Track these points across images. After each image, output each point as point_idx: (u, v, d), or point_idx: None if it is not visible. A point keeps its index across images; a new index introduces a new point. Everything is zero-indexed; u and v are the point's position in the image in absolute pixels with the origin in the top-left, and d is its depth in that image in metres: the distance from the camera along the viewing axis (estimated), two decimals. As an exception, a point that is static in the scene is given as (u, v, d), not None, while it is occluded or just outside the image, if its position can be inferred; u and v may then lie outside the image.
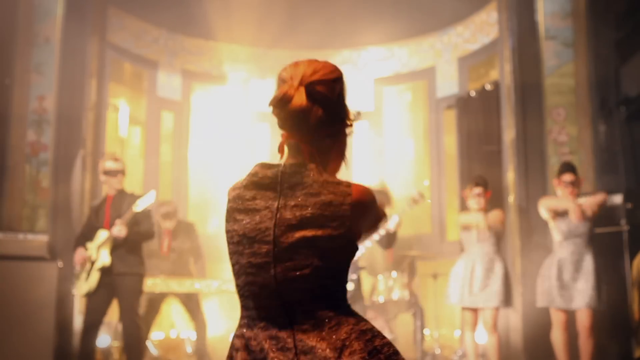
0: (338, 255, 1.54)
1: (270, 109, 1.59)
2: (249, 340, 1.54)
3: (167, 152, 8.25)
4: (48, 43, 6.07)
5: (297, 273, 1.50)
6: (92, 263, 4.80)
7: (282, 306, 1.51)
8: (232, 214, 1.58)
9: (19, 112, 5.94)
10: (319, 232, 1.49)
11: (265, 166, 1.58)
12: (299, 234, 1.50)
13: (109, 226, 4.84)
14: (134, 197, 4.97)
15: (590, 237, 4.84)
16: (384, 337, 1.54)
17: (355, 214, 1.52)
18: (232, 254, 1.58)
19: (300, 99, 1.53)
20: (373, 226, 1.67)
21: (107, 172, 4.95)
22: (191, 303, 5.88)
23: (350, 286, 5.48)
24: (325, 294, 1.52)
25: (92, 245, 4.85)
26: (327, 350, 1.46)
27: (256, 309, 1.54)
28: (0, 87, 5.91)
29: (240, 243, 1.55)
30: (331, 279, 1.54)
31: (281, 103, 1.55)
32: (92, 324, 4.78)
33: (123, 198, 4.96)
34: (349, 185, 1.54)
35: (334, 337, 1.48)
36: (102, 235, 4.84)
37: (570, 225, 4.80)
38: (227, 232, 1.59)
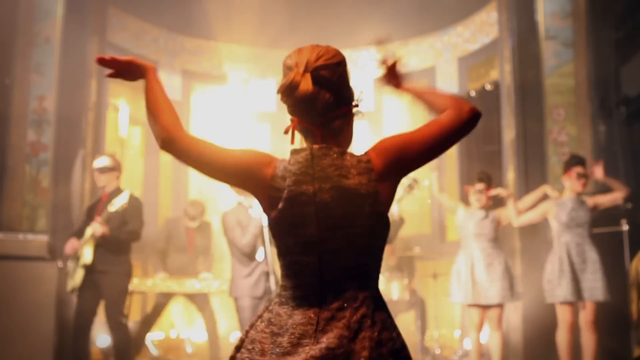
0: (376, 232, 1.60)
1: (279, 96, 1.64)
2: (276, 315, 1.59)
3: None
4: (48, 43, 6.07)
5: (338, 253, 1.57)
6: (78, 260, 4.77)
7: (319, 284, 1.57)
8: (275, 202, 1.61)
9: (19, 112, 5.94)
10: (357, 211, 1.56)
11: (294, 152, 1.62)
12: (339, 215, 1.56)
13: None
14: (120, 195, 4.87)
15: (591, 227, 4.82)
16: (393, 330, 1.59)
17: (385, 178, 1.60)
18: (280, 236, 1.63)
19: (306, 84, 1.59)
20: (410, 161, 1.66)
21: (98, 169, 4.92)
22: (199, 302, 5.88)
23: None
24: (361, 272, 1.59)
25: (80, 242, 4.82)
26: (345, 330, 1.51)
27: (293, 287, 1.60)
28: (0, 87, 5.91)
29: (284, 225, 1.60)
30: (370, 257, 1.61)
31: (289, 90, 1.60)
32: (83, 324, 4.74)
33: (115, 196, 4.89)
34: (368, 160, 1.61)
35: (353, 318, 1.53)
36: (87, 232, 4.80)
37: (572, 214, 4.78)
38: (271, 218, 1.63)
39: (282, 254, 1.64)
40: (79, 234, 4.89)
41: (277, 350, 1.53)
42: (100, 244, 4.72)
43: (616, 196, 4.85)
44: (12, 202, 5.83)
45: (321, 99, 1.60)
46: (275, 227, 1.62)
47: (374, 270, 1.63)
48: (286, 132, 1.68)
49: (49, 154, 5.96)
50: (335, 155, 1.59)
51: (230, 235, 4.57)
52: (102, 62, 1.73)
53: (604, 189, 5.11)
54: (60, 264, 5.25)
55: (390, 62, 1.81)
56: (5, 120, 5.88)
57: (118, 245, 4.80)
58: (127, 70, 1.77)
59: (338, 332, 1.51)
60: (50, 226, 5.80)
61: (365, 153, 1.63)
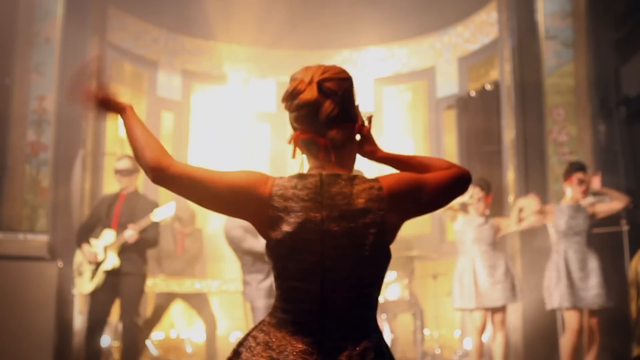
0: (379, 263, 1.59)
1: (283, 105, 1.64)
2: (273, 339, 1.56)
3: (167, 152, 8.24)
4: (48, 43, 6.07)
5: (342, 282, 1.55)
6: (98, 263, 4.78)
7: (321, 312, 1.55)
8: (275, 223, 1.57)
9: (19, 112, 5.94)
10: (363, 241, 1.54)
11: (302, 177, 1.60)
12: (345, 244, 1.54)
13: (117, 226, 4.81)
14: (146, 201, 4.95)
15: (590, 235, 4.81)
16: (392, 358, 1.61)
17: (395, 210, 1.58)
18: (278, 257, 1.59)
19: (310, 92, 1.59)
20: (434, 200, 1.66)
21: (119, 171, 4.94)
22: (198, 303, 5.87)
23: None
24: (363, 302, 1.57)
25: (97, 243, 4.82)
26: None
27: (293, 312, 1.57)
28: (0, 87, 5.91)
29: (286, 250, 1.57)
30: (371, 287, 1.59)
31: (291, 96, 1.61)
32: (97, 323, 4.76)
33: (136, 199, 4.92)
34: (380, 187, 1.58)
35: (356, 351, 1.52)
36: (108, 234, 4.81)
37: (570, 223, 4.78)
38: (271, 240, 1.59)
39: (281, 278, 1.60)
40: (90, 229, 4.88)
41: None
42: (126, 248, 4.75)
43: (615, 206, 4.85)
44: (12, 202, 5.83)
45: (325, 108, 1.59)
46: (276, 250, 1.58)
47: (375, 301, 1.61)
48: (290, 141, 1.66)
49: (49, 154, 5.96)
50: (344, 182, 1.57)
51: (244, 245, 4.48)
52: (78, 94, 1.74)
53: (604, 198, 5.11)
54: (60, 264, 5.25)
55: (365, 129, 1.70)
56: (5, 120, 5.88)
57: (140, 249, 4.85)
58: (104, 104, 1.74)
59: None
60: (50, 226, 5.80)
61: (377, 179, 1.60)
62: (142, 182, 5.51)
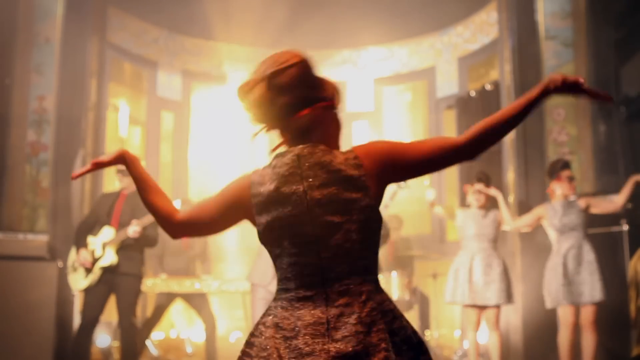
0: (370, 226, 1.60)
1: (240, 105, 1.68)
2: (282, 319, 1.58)
3: (167, 152, 8.25)
4: (48, 43, 6.07)
5: (338, 248, 1.56)
6: (95, 259, 4.78)
7: (323, 282, 1.57)
8: (261, 207, 1.62)
9: (19, 112, 5.94)
10: (349, 205, 1.56)
11: (280, 155, 1.64)
12: (332, 211, 1.56)
13: (117, 224, 4.82)
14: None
15: (586, 229, 4.82)
16: (402, 318, 1.61)
17: (374, 177, 1.59)
18: (274, 240, 1.62)
19: (260, 89, 1.62)
20: (404, 167, 1.63)
21: (121, 171, 4.95)
22: (198, 303, 5.87)
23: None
24: (361, 267, 1.59)
25: (95, 240, 4.83)
26: (358, 325, 1.52)
27: (297, 288, 1.59)
28: (0, 87, 5.91)
29: (277, 230, 1.60)
30: (367, 251, 1.60)
31: (241, 93, 1.67)
32: (91, 320, 4.75)
33: (137, 199, 4.88)
34: (355, 157, 1.60)
35: (364, 313, 1.53)
36: (107, 232, 4.82)
37: (563, 220, 4.79)
38: (260, 224, 1.63)
39: (278, 257, 1.63)
40: (89, 227, 4.89)
41: (295, 352, 1.52)
42: (125, 246, 4.76)
43: (609, 208, 4.85)
44: (12, 202, 5.83)
45: (278, 102, 1.62)
46: (267, 232, 1.62)
47: (372, 262, 1.63)
48: (254, 138, 1.73)
49: (49, 154, 5.96)
50: (321, 152, 1.60)
51: None
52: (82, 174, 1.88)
53: (601, 191, 5.11)
54: (60, 264, 5.25)
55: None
56: (5, 120, 5.88)
57: (139, 248, 4.87)
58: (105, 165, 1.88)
59: (352, 328, 1.51)
60: (50, 226, 5.80)
61: (352, 150, 1.62)
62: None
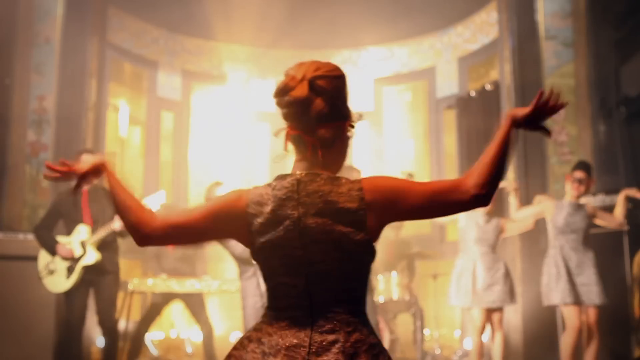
0: (361, 258, 1.59)
1: (274, 101, 1.65)
2: (265, 335, 1.58)
3: (167, 152, 8.25)
4: (48, 43, 6.07)
5: (326, 275, 1.56)
6: (76, 259, 4.67)
7: (309, 307, 1.56)
8: (261, 228, 1.60)
9: (19, 112, 5.94)
10: (342, 238, 1.55)
11: (280, 177, 1.62)
12: (323, 240, 1.55)
13: (91, 221, 4.72)
14: (106, 193, 4.73)
15: (588, 233, 4.80)
16: (387, 355, 1.60)
17: (374, 212, 1.57)
18: (265, 259, 1.62)
19: (301, 89, 1.59)
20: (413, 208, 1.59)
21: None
22: (195, 304, 5.86)
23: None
24: (348, 297, 1.58)
25: (70, 240, 4.72)
26: (340, 354, 1.51)
27: (283, 309, 1.59)
28: (0, 87, 5.91)
29: (271, 249, 1.59)
30: (355, 282, 1.60)
31: (282, 92, 1.62)
32: (79, 321, 4.68)
33: (100, 193, 4.80)
34: (360, 188, 1.57)
35: (348, 343, 1.53)
36: (82, 230, 4.72)
37: (568, 219, 4.77)
38: (254, 244, 1.62)
39: (268, 277, 1.63)
40: (49, 226, 4.76)
41: None
42: (106, 243, 4.70)
43: (612, 223, 4.84)
44: (12, 202, 5.83)
45: (315, 106, 1.60)
46: (259, 252, 1.61)
47: (361, 296, 1.62)
48: (276, 134, 1.69)
49: (49, 154, 5.96)
50: (322, 181, 1.58)
51: (235, 251, 4.50)
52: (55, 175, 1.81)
53: (601, 191, 5.10)
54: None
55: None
56: (5, 120, 5.88)
57: (116, 245, 4.78)
58: (84, 177, 1.80)
59: (333, 357, 1.50)
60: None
61: (359, 181, 1.60)
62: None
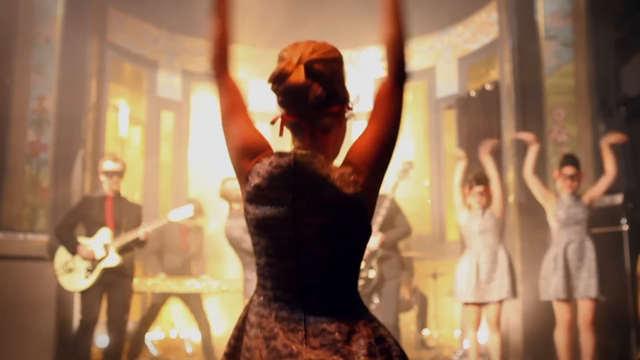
0: (355, 240, 1.56)
1: (269, 86, 1.60)
2: (263, 318, 1.57)
3: (167, 152, 8.26)
4: (48, 43, 6.07)
5: (318, 258, 1.53)
6: (96, 260, 4.78)
7: (300, 289, 1.54)
8: (251, 198, 1.58)
9: (19, 112, 5.94)
10: (336, 220, 1.52)
11: (279, 154, 1.58)
12: (317, 222, 1.52)
13: (114, 225, 4.86)
14: (131, 204, 5.07)
15: (589, 224, 4.79)
16: (386, 328, 1.59)
17: (368, 190, 1.56)
18: (253, 234, 1.60)
19: (298, 75, 1.54)
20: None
21: (105, 173, 4.96)
22: (193, 304, 5.87)
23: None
24: (341, 278, 1.56)
25: (92, 242, 4.83)
26: (337, 333, 1.50)
27: (274, 289, 1.57)
28: (0, 87, 5.91)
29: (260, 227, 1.57)
30: (348, 263, 1.57)
31: (279, 78, 1.56)
32: (92, 321, 4.77)
33: (121, 201, 5.00)
34: (351, 172, 1.56)
35: (344, 321, 1.51)
36: (105, 233, 4.84)
37: (569, 212, 4.75)
38: (247, 214, 1.60)
39: (258, 254, 1.60)
40: (70, 229, 4.89)
41: (274, 354, 1.51)
42: (127, 247, 4.85)
43: (609, 179, 4.77)
44: (12, 202, 5.83)
45: (313, 92, 1.54)
46: (252, 225, 1.59)
47: (354, 276, 1.60)
48: (272, 122, 1.64)
49: (49, 154, 5.97)
50: (319, 164, 1.54)
51: (242, 245, 4.52)
52: None
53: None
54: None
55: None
56: (5, 120, 5.88)
57: (134, 251, 4.98)
58: None
59: (330, 336, 1.49)
60: (50, 226, 5.80)
61: (346, 164, 1.57)
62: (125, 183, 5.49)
